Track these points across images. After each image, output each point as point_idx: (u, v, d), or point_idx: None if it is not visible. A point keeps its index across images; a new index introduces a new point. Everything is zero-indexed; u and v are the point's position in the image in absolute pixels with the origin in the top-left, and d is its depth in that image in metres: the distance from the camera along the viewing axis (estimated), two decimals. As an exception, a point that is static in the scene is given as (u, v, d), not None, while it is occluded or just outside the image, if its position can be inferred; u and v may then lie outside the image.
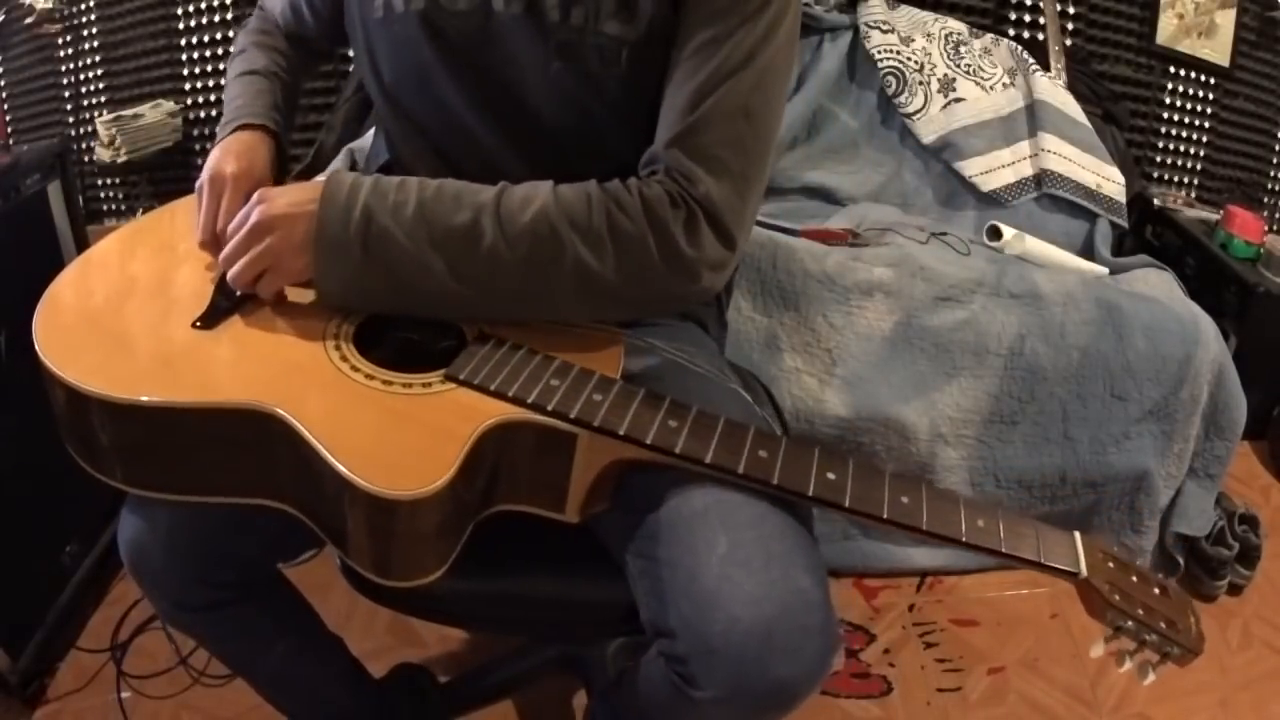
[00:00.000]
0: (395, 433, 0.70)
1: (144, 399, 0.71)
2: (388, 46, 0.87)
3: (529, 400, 0.72)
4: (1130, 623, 0.67)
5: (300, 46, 1.04)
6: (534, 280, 0.77)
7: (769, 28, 0.78)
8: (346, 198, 0.76)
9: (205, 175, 0.87)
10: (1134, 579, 0.69)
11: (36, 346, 0.75)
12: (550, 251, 0.75)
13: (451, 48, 0.83)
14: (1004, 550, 0.68)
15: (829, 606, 0.69)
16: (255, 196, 0.79)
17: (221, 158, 0.88)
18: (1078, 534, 0.70)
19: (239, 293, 0.81)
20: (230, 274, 0.78)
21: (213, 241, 0.86)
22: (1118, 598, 0.67)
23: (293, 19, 1.02)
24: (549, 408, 0.71)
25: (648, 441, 0.70)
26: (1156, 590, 0.69)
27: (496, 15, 0.81)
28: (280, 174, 0.94)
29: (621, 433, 0.70)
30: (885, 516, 0.68)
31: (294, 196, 0.77)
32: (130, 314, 0.81)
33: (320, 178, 0.83)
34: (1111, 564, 0.69)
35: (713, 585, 0.67)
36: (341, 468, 0.65)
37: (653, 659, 0.76)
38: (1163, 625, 0.67)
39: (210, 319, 0.79)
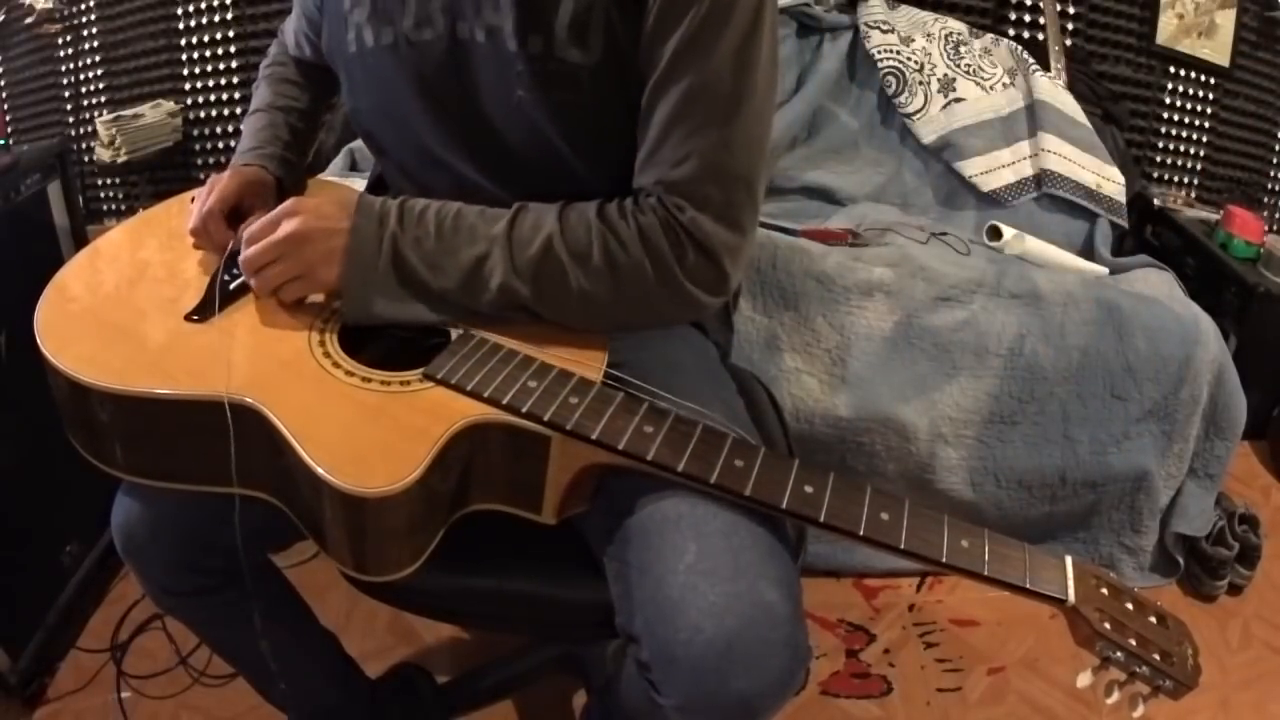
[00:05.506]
0: (368, 429, 0.70)
1: (131, 388, 0.71)
2: (361, 78, 0.89)
3: (504, 401, 0.71)
4: (1120, 653, 0.64)
5: (312, 70, 1.06)
6: (543, 304, 0.79)
7: (740, 44, 0.75)
8: (378, 225, 0.79)
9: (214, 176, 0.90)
10: (1128, 606, 0.66)
11: (36, 333, 0.76)
12: (556, 281, 0.78)
13: (421, 78, 0.83)
14: (986, 573, 0.65)
15: (798, 622, 0.68)
16: (288, 206, 0.79)
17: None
18: (1069, 558, 0.67)
19: (233, 286, 0.81)
20: (258, 279, 0.79)
21: (201, 231, 0.88)
22: (1108, 626, 0.64)
23: (295, 47, 1.05)
24: (523, 410, 0.71)
25: (620, 447, 0.69)
26: (1153, 619, 0.66)
27: (463, 44, 0.81)
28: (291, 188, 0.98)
29: (594, 437, 0.70)
30: (862, 533, 0.66)
31: (327, 210, 0.79)
32: (129, 304, 0.81)
33: (325, 175, 0.84)
34: (1105, 590, 0.66)
35: (677, 594, 0.67)
36: (312, 462, 0.66)
37: (632, 661, 0.75)
38: (1156, 657, 0.64)
39: (204, 312, 0.80)
